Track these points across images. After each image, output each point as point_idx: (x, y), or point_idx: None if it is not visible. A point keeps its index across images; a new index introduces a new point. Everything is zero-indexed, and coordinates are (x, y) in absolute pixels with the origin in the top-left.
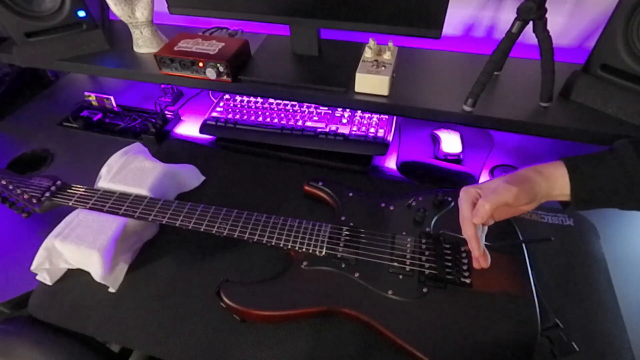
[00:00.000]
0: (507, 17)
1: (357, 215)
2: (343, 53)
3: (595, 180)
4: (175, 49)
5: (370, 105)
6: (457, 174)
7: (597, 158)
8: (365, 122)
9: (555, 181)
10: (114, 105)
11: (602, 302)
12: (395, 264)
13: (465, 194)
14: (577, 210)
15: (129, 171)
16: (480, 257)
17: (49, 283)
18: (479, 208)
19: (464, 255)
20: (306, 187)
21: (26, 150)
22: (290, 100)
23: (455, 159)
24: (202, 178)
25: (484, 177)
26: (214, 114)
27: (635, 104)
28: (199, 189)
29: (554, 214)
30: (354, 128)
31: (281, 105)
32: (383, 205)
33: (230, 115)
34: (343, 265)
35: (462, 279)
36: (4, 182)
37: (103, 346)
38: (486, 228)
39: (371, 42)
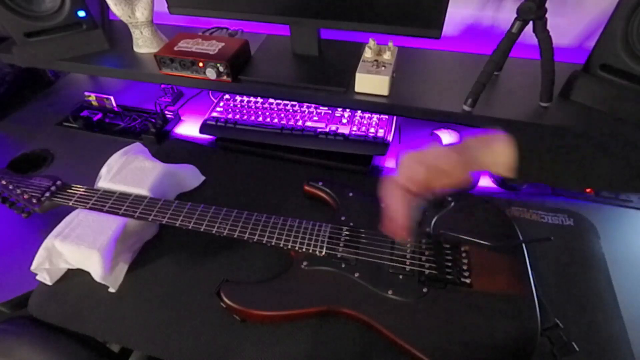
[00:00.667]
0: (507, 17)
1: (357, 215)
2: (343, 53)
3: (533, 152)
4: (175, 49)
5: (370, 105)
6: None
7: (539, 131)
8: (365, 122)
9: (498, 153)
10: (114, 105)
11: (602, 302)
12: (395, 264)
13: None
14: (516, 180)
15: (129, 171)
16: (400, 229)
17: (49, 283)
18: (413, 174)
19: (464, 255)
20: (306, 187)
21: (26, 150)
22: (290, 100)
23: None
24: (202, 178)
25: (483, 177)
26: (214, 114)
27: (636, 104)
28: (199, 189)
29: (554, 214)
30: (354, 128)
31: (281, 105)
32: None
33: (230, 115)
34: (343, 265)
35: (462, 279)
36: (4, 182)
37: (103, 346)
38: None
39: (371, 42)
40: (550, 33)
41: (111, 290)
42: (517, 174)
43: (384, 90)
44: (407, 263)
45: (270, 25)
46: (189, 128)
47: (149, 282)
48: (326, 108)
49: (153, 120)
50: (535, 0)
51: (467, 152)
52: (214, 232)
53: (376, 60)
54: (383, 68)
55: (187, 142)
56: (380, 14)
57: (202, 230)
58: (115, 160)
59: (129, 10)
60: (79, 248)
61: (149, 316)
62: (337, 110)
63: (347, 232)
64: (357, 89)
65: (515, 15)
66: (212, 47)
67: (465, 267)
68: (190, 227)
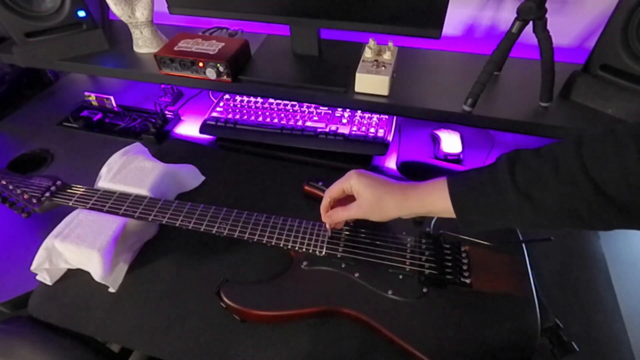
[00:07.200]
0: (507, 17)
1: None
2: (343, 53)
3: (475, 204)
4: (175, 49)
5: (370, 105)
6: None
7: (478, 176)
8: (365, 122)
9: (435, 205)
10: (114, 105)
11: (602, 302)
12: (395, 264)
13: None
14: (468, 230)
15: (129, 171)
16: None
17: (49, 283)
18: (333, 216)
19: (463, 255)
20: (306, 187)
21: (26, 150)
22: (290, 100)
23: (455, 159)
24: (202, 178)
25: None
26: (214, 114)
27: (636, 104)
28: (199, 189)
29: None
30: (354, 128)
31: (281, 105)
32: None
33: (230, 115)
34: (343, 265)
35: (462, 279)
36: (4, 182)
37: (103, 346)
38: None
39: (371, 42)
40: (550, 33)
41: (111, 290)
42: (466, 225)
43: (384, 90)
44: (407, 263)
45: (270, 25)
46: (189, 128)
47: (148, 282)
48: (326, 108)
49: (153, 120)
50: (535, 0)
51: (385, 211)
52: (214, 232)
53: (376, 60)
54: (383, 68)
55: (187, 142)
56: (380, 14)
57: (202, 230)
58: (115, 160)
59: (129, 10)
60: (78, 248)
61: (149, 316)
62: (337, 110)
63: (347, 232)
64: (357, 89)
65: (515, 15)
66: (212, 47)
67: (465, 267)
68: (190, 227)
